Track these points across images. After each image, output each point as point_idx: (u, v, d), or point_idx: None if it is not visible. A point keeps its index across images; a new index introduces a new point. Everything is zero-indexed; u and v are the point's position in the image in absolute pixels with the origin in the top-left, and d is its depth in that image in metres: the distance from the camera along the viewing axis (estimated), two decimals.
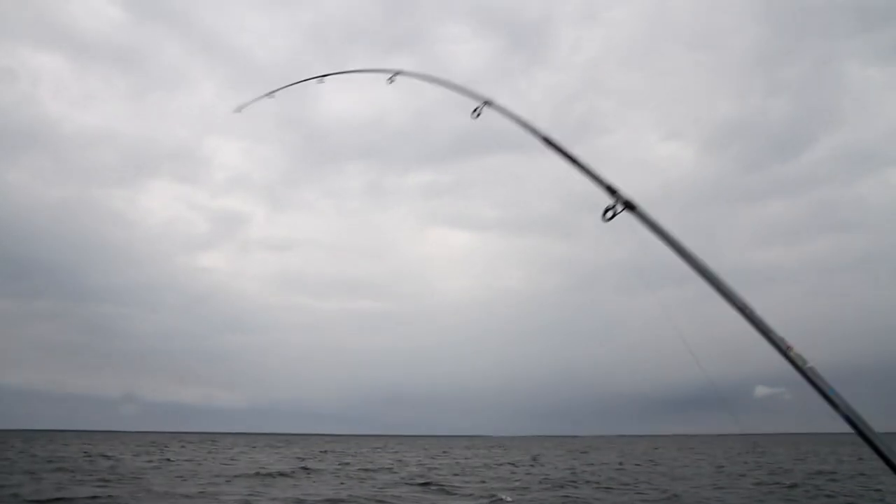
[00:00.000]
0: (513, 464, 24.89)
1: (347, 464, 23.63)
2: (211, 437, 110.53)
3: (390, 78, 4.26)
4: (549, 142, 3.54)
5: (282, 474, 17.38)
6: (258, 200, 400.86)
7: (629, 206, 2.91)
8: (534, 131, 3.61)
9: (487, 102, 3.77)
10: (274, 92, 6.11)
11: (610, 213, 2.84)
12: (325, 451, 37.31)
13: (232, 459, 25.92)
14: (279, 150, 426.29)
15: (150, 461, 23.24)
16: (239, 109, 6.72)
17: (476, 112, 3.77)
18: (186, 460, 24.44)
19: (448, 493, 13.62)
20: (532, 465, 23.82)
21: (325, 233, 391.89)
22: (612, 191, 2.98)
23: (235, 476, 16.63)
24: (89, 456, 26.10)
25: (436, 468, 21.78)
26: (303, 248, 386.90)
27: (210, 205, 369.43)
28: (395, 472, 19.22)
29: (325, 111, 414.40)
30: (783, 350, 2.22)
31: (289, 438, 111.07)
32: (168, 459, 24.46)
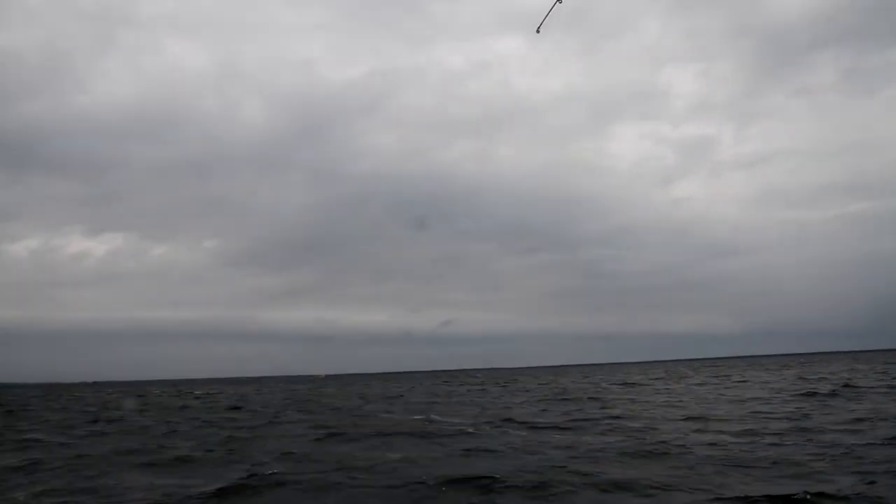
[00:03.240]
0: None
1: None
2: (713, 363, 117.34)
3: None
4: None
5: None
6: (722, 120, 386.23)
7: None
8: None
9: None
10: None
11: None
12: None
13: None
14: (735, 63, 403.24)
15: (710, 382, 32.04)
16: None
17: None
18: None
19: None
20: None
21: (802, 137, 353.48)
22: None
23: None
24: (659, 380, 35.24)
25: None
26: (779, 159, 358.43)
27: (675, 135, 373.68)
28: None
29: (775, 7, 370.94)
30: None
31: (794, 359, 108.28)
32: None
